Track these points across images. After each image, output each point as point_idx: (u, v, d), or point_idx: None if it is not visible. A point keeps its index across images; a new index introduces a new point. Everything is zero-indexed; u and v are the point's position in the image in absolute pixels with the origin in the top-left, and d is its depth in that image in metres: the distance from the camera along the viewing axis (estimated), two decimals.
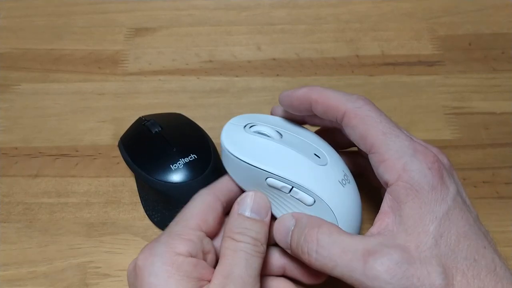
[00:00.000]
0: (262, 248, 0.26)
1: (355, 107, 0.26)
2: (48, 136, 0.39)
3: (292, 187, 0.26)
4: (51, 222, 0.35)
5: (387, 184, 0.25)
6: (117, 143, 0.36)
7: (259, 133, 0.28)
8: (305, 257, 0.25)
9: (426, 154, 0.24)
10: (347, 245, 0.24)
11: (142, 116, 0.36)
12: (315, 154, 0.28)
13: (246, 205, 0.26)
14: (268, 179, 0.26)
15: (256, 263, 0.25)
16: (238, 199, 0.27)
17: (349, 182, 0.28)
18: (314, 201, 0.26)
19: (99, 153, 0.38)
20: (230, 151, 0.27)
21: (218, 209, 0.27)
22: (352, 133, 0.26)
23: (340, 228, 0.25)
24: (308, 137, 0.29)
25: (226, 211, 0.28)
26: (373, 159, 0.25)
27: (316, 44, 0.45)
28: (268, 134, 0.28)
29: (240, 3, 0.48)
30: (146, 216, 0.35)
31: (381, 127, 0.25)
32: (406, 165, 0.24)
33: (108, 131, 0.39)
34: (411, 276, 0.22)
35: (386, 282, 0.22)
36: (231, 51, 0.44)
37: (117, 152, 0.36)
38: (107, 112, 0.40)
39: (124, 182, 0.37)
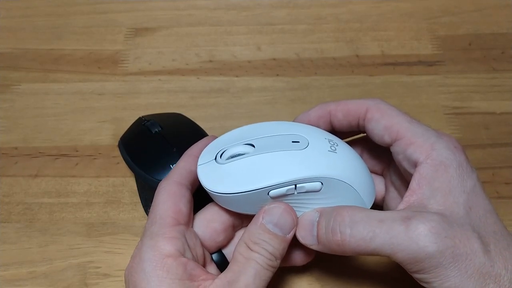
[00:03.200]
0: (276, 263, 0.25)
1: (376, 103, 0.28)
2: (48, 136, 0.39)
3: (295, 185, 0.25)
4: (51, 222, 0.35)
5: (416, 165, 0.25)
6: (117, 143, 0.36)
7: (232, 156, 0.27)
8: (337, 238, 0.24)
9: (449, 137, 0.26)
10: (383, 216, 0.24)
11: (142, 116, 0.36)
12: (293, 142, 0.27)
13: (272, 217, 0.25)
14: (270, 192, 0.25)
15: (265, 276, 0.25)
16: (267, 206, 0.26)
17: (337, 145, 0.27)
18: (322, 184, 0.26)
19: (99, 153, 0.38)
20: (219, 191, 0.26)
21: (186, 194, 0.27)
22: (376, 126, 0.27)
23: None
24: (280, 130, 0.28)
25: (193, 192, 0.28)
26: (400, 145, 0.26)
27: (316, 44, 0.45)
28: (241, 152, 0.27)
29: (240, 3, 0.48)
30: (146, 216, 0.35)
31: (404, 117, 0.27)
32: (434, 144, 0.25)
33: (108, 131, 0.39)
34: (453, 237, 0.22)
35: (431, 241, 0.22)
36: (231, 51, 0.44)
37: (117, 152, 0.36)
38: (107, 112, 0.40)
39: (124, 182, 0.37)
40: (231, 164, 0.26)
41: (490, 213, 0.24)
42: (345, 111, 0.28)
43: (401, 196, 0.29)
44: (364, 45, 0.44)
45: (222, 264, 0.28)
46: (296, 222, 0.26)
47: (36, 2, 0.48)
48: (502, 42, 0.44)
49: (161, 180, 0.27)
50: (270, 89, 0.42)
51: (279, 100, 0.41)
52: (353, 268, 0.32)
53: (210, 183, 0.26)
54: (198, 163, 0.27)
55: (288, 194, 0.25)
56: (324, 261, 0.32)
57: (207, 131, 0.36)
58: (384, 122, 0.27)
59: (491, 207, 0.25)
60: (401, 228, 0.23)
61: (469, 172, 0.25)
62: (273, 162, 0.26)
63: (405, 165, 0.26)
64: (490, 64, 0.43)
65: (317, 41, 0.45)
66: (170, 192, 0.26)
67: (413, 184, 0.25)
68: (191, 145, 0.29)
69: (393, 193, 0.30)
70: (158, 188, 0.27)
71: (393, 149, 0.27)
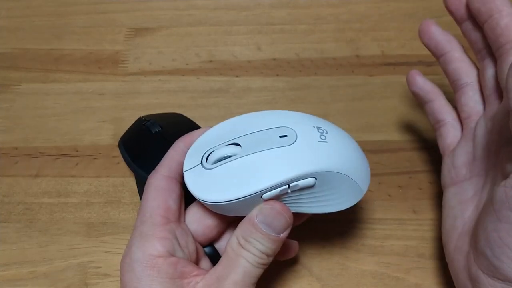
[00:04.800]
0: (268, 260, 0.25)
1: None
2: (48, 136, 0.39)
3: (288, 184, 0.24)
4: (51, 222, 0.35)
5: None
6: (117, 143, 0.36)
7: (218, 160, 0.25)
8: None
9: None
10: None
11: (142, 116, 0.36)
12: (281, 136, 0.25)
13: (265, 218, 0.24)
14: (264, 195, 0.24)
15: (255, 273, 0.25)
16: (263, 205, 0.25)
17: (327, 133, 0.26)
18: (316, 178, 0.25)
19: (99, 153, 0.38)
20: (210, 200, 0.25)
21: (176, 189, 0.26)
22: None
23: None
24: (266, 122, 0.27)
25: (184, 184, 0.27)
26: None
27: (316, 44, 0.45)
28: (227, 155, 0.25)
29: (240, 3, 0.48)
30: None
31: None
32: None
33: (108, 131, 0.39)
34: None
35: None
36: (231, 51, 0.44)
37: (117, 152, 0.36)
38: (107, 112, 0.40)
39: (124, 182, 0.37)
40: (219, 169, 0.25)
41: None
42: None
43: (475, 154, 0.28)
44: (364, 45, 0.44)
45: (214, 257, 0.28)
46: (290, 222, 0.25)
47: (36, 2, 0.48)
48: None
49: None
50: (270, 89, 0.42)
51: (279, 100, 0.41)
52: (353, 267, 0.32)
53: (200, 192, 0.25)
54: (184, 169, 0.26)
55: (282, 194, 0.25)
56: (324, 261, 0.32)
57: None
58: None
59: None
60: None
61: None
62: (262, 163, 0.25)
63: None
64: None
65: (317, 41, 0.45)
66: (159, 188, 0.26)
67: None
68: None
69: (468, 147, 0.29)
70: (147, 182, 0.26)
71: None
